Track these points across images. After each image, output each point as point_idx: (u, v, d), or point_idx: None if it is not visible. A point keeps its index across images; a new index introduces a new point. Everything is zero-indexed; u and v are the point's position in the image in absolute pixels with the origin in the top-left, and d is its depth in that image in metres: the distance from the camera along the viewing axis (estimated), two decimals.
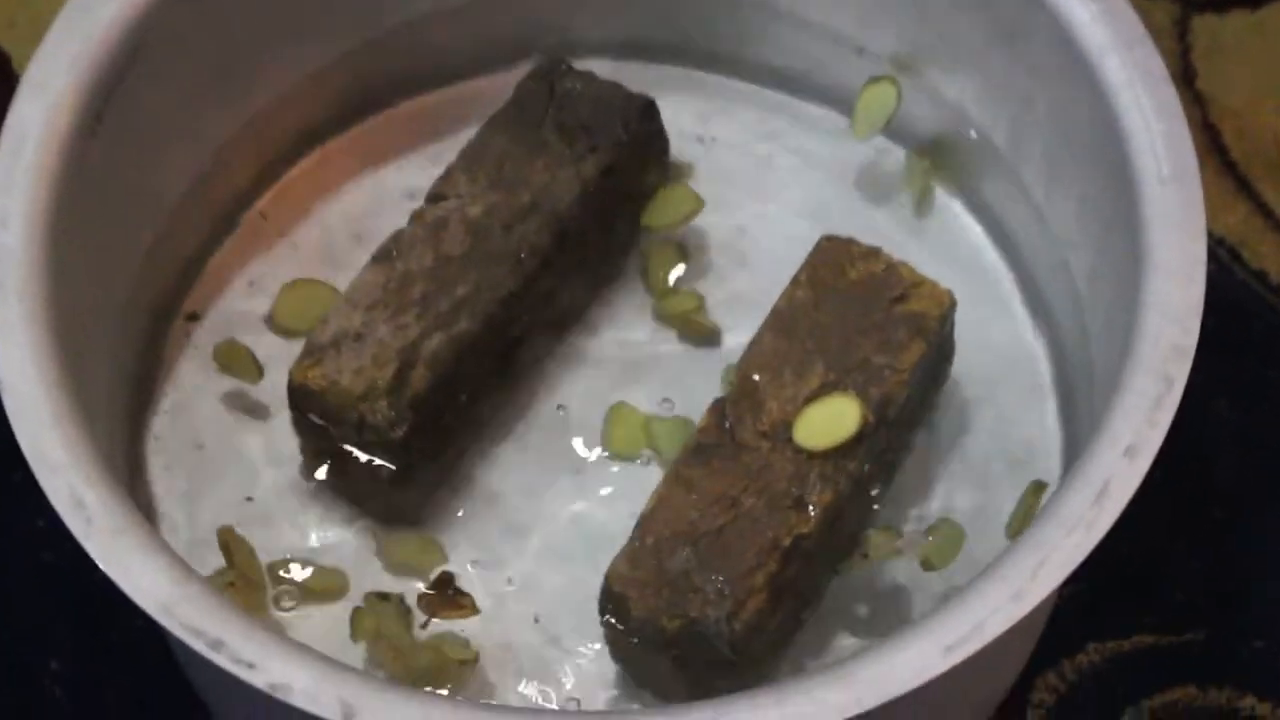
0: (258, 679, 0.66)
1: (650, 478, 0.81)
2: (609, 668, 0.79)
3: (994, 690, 0.83)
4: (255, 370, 0.85)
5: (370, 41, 0.92)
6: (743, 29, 0.93)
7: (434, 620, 0.78)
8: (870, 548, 0.78)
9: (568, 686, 0.79)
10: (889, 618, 0.80)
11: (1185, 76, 1.00)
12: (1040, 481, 0.80)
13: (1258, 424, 0.91)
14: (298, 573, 0.81)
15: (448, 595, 0.78)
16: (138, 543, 0.69)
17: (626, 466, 0.84)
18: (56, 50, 0.80)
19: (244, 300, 0.88)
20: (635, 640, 0.75)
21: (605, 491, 0.83)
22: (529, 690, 0.79)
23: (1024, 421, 0.85)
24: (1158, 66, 0.80)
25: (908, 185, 0.91)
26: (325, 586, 0.81)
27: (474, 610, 0.78)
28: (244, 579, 0.79)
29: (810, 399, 0.78)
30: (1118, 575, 0.85)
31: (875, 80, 0.89)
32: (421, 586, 0.79)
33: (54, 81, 0.79)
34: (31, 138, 0.78)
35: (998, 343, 0.87)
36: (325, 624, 0.79)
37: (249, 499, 0.83)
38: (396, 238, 0.83)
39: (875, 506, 0.81)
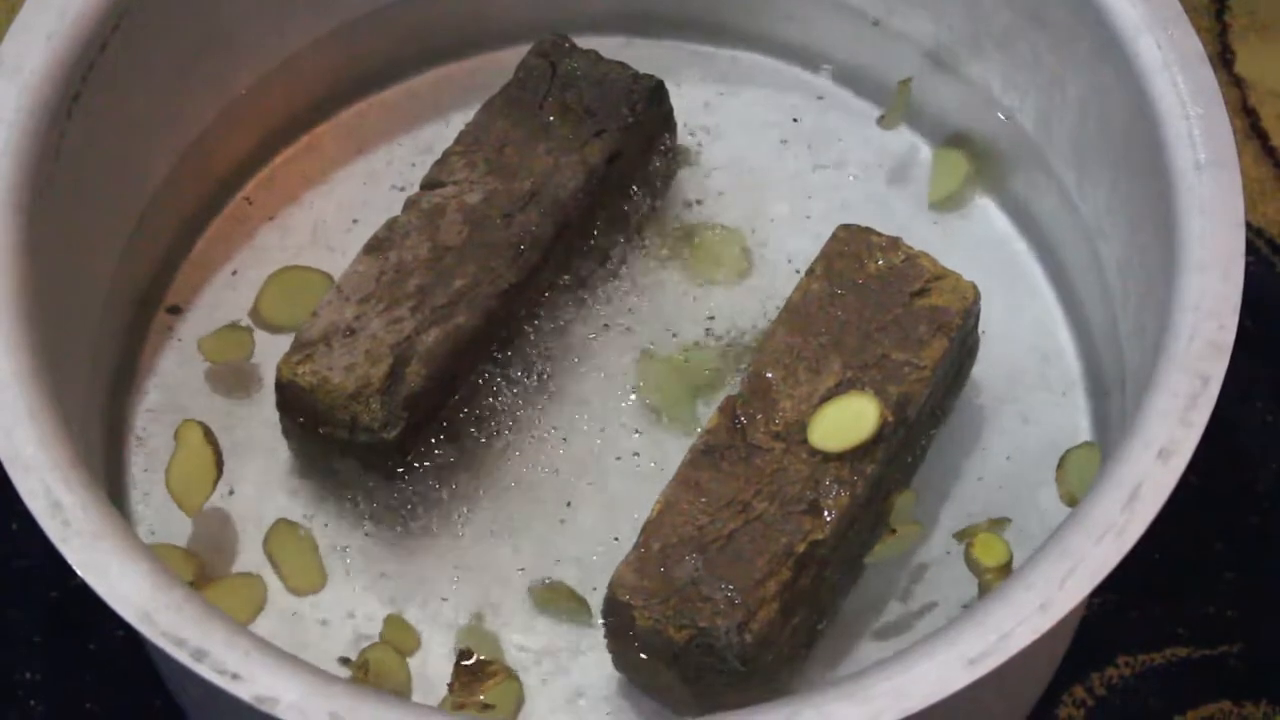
0: (243, 691, 0.66)
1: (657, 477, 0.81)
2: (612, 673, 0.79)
3: (1019, 705, 0.83)
4: (249, 349, 0.85)
5: (363, 15, 0.92)
6: (759, 3, 0.94)
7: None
8: (895, 515, 0.79)
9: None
10: (909, 627, 0.80)
11: (1223, 58, 1.00)
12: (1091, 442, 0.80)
13: None
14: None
15: (474, 671, 0.79)
16: (117, 547, 0.69)
17: (629, 468, 0.84)
18: (30, 27, 0.81)
19: (228, 291, 0.89)
20: (641, 651, 0.76)
21: (612, 489, 0.84)
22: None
23: (1052, 422, 0.86)
24: (1194, 47, 0.80)
25: (935, 179, 0.92)
26: (308, 586, 0.82)
27: (507, 675, 0.79)
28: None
29: (826, 398, 0.78)
30: (1149, 584, 0.85)
31: (945, 147, 0.92)
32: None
33: (28, 60, 0.80)
34: (5, 120, 0.78)
35: (1024, 338, 0.88)
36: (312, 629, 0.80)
37: (231, 492, 0.84)
38: (390, 226, 0.84)
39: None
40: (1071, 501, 0.81)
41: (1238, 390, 0.76)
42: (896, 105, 0.92)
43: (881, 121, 0.93)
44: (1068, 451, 0.83)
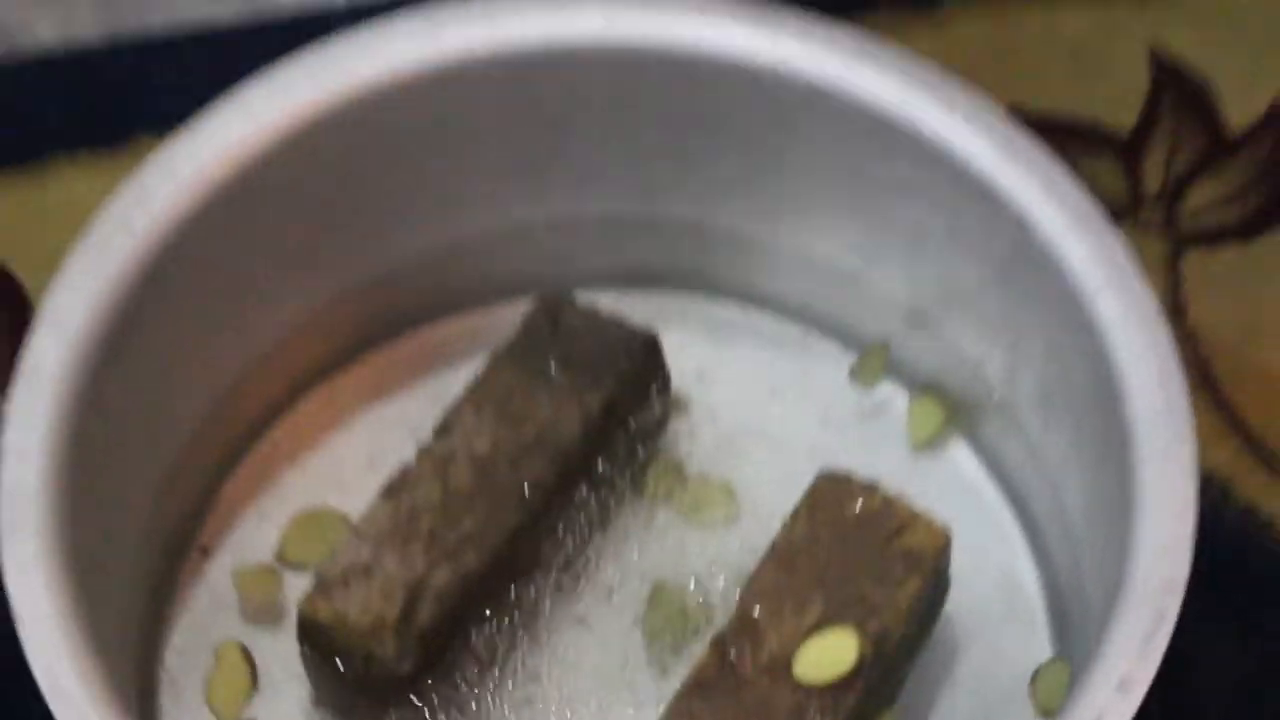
0: None
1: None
2: None
3: None
4: (275, 587, 0.91)
5: (378, 274, 0.98)
6: (746, 261, 1.00)
7: None
8: None
9: None
10: None
11: (1177, 311, 1.04)
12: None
13: (1251, 662, 0.95)
14: None
15: None
16: None
17: (627, 698, 0.89)
18: (72, 283, 0.86)
19: (255, 532, 0.94)
20: None
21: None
22: None
23: (1019, 652, 0.90)
24: (1149, 304, 0.86)
25: (911, 427, 0.97)
26: None
27: None
28: None
29: (810, 633, 0.84)
30: None
31: (920, 396, 0.97)
32: None
33: (69, 315, 0.85)
34: (48, 373, 0.83)
35: (993, 575, 0.93)
36: None
37: None
38: (405, 472, 0.90)
39: None
40: (1045, 713, 0.86)
41: (1192, 624, 0.81)
42: (874, 367, 0.98)
43: (859, 379, 0.98)
44: (1040, 668, 0.88)
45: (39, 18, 1.13)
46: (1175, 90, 1.11)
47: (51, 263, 0.87)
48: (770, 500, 0.93)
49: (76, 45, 1.13)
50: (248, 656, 0.89)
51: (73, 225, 0.87)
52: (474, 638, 0.88)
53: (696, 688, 0.83)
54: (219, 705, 0.88)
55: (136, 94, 1.11)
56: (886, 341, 0.98)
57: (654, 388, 0.95)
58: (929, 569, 0.86)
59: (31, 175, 1.08)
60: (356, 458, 0.96)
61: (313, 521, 0.93)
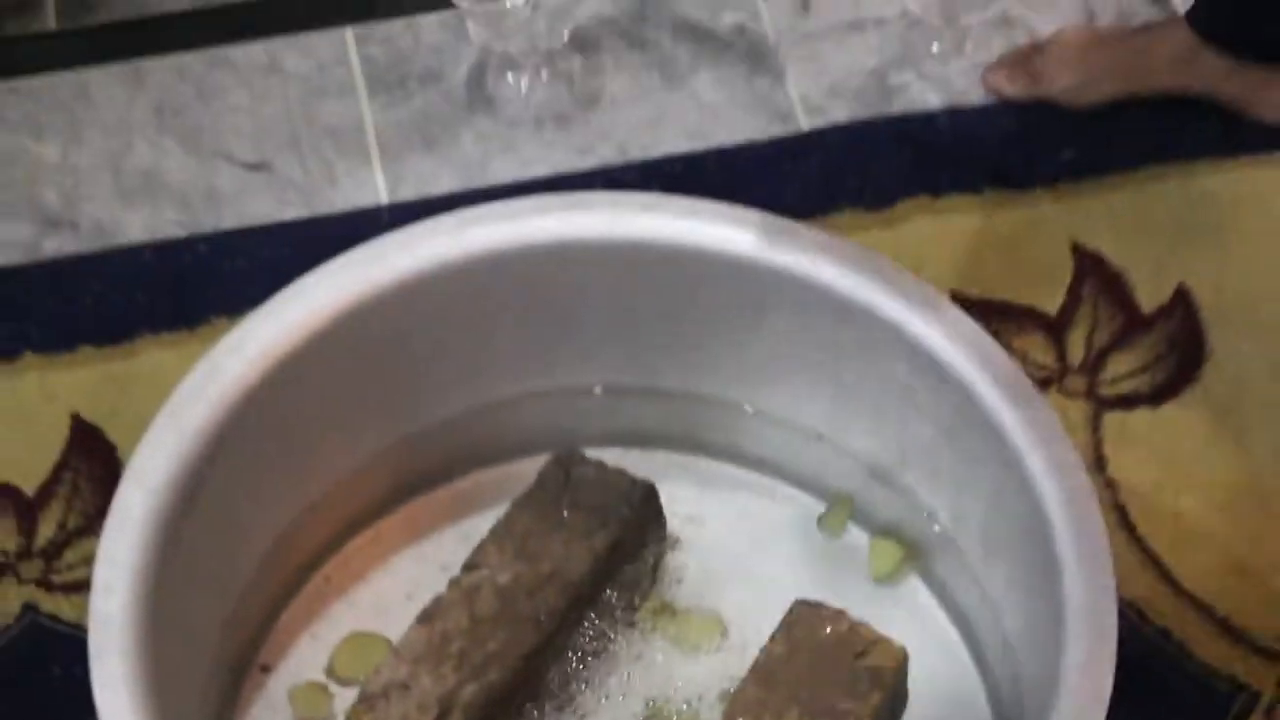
0: None
1: None
2: None
3: None
4: (327, 703, 0.91)
5: (414, 435, 0.99)
6: (730, 424, 1.02)
7: None
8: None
9: None
10: None
11: (1098, 464, 1.06)
12: None
13: None
14: None
15: None
16: None
17: None
18: (156, 445, 0.88)
19: (309, 653, 0.95)
20: None
21: None
22: None
23: None
24: (1074, 459, 0.88)
25: (873, 564, 0.98)
26: None
27: None
28: None
29: None
30: None
31: (881, 537, 0.98)
32: None
33: (154, 471, 0.87)
34: (133, 519, 0.85)
35: (945, 689, 0.94)
36: None
37: None
38: (438, 601, 0.92)
39: None
40: None
41: None
42: (839, 519, 0.99)
43: (827, 529, 0.99)
44: None
45: (131, 220, 1.16)
46: (1095, 277, 1.13)
47: (139, 426, 0.89)
48: (752, 627, 0.95)
49: (161, 242, 1.15)
50: None
51: (156, 394, 0.89)
52: None
53: None
54: None
55: (211, 283, 1.13)
56: (850, 495, 0.99)
57: (652, 530, 0.97)
58: (890, 684, 0.87)
59: (122, 351, 1.10)
60: (396, 589, 0.98)
61: (359, 644, 0.94)
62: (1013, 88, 1.19)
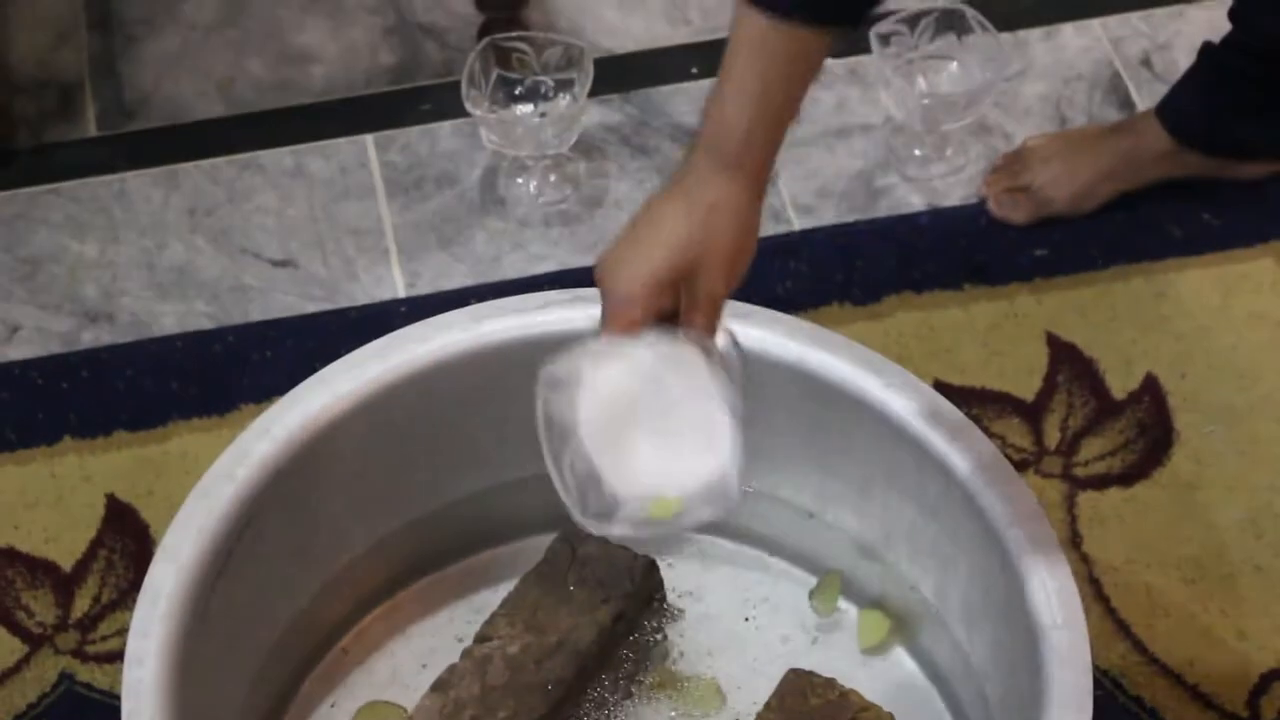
0: None
1: None
2: None
3: None
4: None
5: (429, 513, 0.99)
6: None
7: None
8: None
9: None
10: None
11: (1074, 541, 1.06)
12: None
13: None
14: None
15: None
16: None
17: None
18: (187, 523, 0.88)
19: None
20: None
21: None
22: None
23: None
24: (1050, 535, 0.88)
25: (861, 635, 0.98)
26: None
27: None
28: None
29: None
30: None
31: (869, 609, 0.98)
32: None
33: (184, 549, 0.87)
34: (164, 594, 0.86)
35: None
36: None
37: None
38: (451, 670, 0.91)
39: None
40: None
41: None
42: (829, 593, 0.99)
43: (818, 605, 0.99)
44: None
45: (164, 312, 1.17)
46: (1069, 366, 1.14)
47: (170, 506, 0.89)
48: (748, 695, 0.94)
49: (193, 333, 1.16)
50: None
51: (187, 476, 0.89)
52: None
53: None
54: None
55: (239, 371, 1.14)
56: (839, 571, 0.99)
57: (654, 603, 0.97)
58: None
59: (156, 436, 1.10)
60: (412, 659, 0.97)
61: (376, 712, 0.94)
62: (1020, 215, 1.20)
